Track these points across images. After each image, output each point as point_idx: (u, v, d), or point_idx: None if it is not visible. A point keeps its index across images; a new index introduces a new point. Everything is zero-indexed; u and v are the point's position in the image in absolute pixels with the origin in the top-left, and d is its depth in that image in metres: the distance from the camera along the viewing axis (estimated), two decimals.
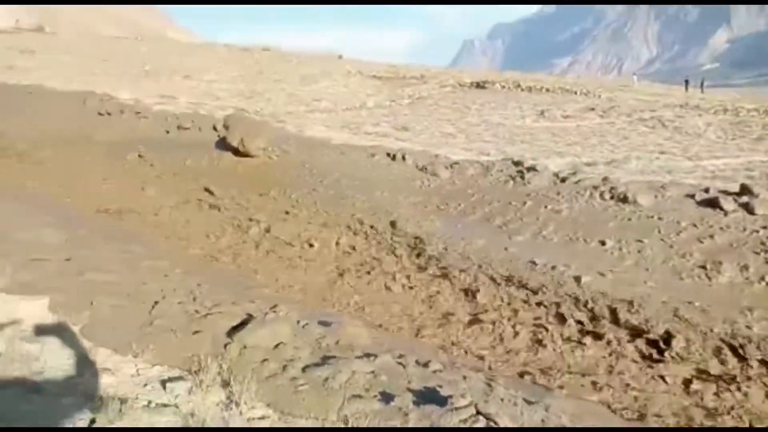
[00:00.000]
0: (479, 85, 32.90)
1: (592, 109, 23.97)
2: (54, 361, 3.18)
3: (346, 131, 17.04)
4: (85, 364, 3.27)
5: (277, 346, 3.83)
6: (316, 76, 34.19)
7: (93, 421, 2.67)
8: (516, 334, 5.19)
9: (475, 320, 5.48)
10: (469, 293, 6.00)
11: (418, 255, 6.90)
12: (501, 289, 6.02)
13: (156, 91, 22.92)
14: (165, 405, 2.97)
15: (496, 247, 7.14)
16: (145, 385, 3.18)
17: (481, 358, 4.83)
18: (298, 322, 4.29)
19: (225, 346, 3.77)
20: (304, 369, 3.57)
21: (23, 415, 2.63)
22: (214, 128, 14.02)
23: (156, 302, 4.37)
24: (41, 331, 3.48)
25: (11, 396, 2.79)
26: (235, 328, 4.03)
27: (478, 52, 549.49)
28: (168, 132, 14.53)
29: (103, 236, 6.65)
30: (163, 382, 3.18)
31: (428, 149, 13.44)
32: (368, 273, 6.66)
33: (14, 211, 7.12)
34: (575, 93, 29.64)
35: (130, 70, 29.82)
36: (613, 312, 5.40)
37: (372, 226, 8.00)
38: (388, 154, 11.89)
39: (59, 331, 3.52)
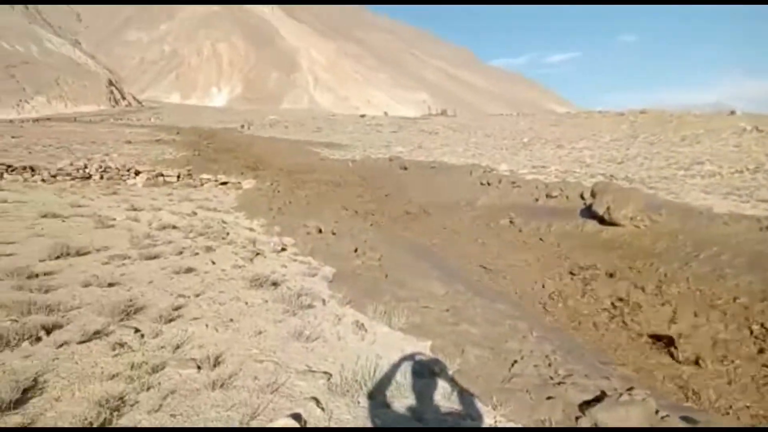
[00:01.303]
0: None
1: None
2: (436, 396, 3.90)
3: (732, 198, 14.67)
4: (456, 403, 3.89)
5: None
6: (699, 136, 30.73)
7: None
8: None
9: None
10: None
11: None
12: None
13: (529, 161, 24.79)
14: None
15: None
16: None
17: None
18: (657, 411, 3.99)
19: (576, 418, 3.85)
20: None
21: None
22: (581, 196, 14.25)
23: (515, 361, 4.78)
24: (425, 367, 4.31)
25: (403, 418, 3.56)
26: (587, 403, 4.05)
27: None
28: (537, 200, 15.48)
29: (474, 292, 7.60)
30: None
31: None
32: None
33: (411, 264, 8.86)
34: None
35: (509, 144, 33.14)
36: None
37: (762, 314, 6.65)
38: None
39: (439, 370, 4.29)
